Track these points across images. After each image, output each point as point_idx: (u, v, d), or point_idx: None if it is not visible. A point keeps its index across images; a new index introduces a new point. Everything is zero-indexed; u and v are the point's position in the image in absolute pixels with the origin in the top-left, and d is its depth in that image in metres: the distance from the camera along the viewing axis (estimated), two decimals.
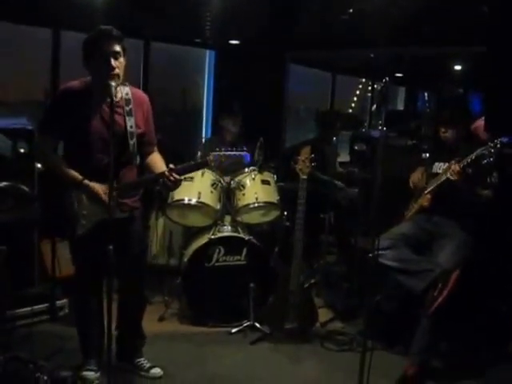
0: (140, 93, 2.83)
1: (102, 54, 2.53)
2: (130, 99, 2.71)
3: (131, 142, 2.69)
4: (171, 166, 2.65)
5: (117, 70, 2.55)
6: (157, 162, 2.86)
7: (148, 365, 3.07)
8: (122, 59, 2.59)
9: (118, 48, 2.56)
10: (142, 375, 3.04)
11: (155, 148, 2.94)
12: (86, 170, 2.64)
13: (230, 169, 3.85)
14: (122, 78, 2.62)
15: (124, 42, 2.62)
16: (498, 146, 2.91)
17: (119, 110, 2.65)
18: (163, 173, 2.66)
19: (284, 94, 6.27)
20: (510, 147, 3.34)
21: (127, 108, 2.69)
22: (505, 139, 2.94)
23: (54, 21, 4.60)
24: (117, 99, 2.62)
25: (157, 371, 3.06)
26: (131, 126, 2.69)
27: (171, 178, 2.62)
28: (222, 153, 2.62)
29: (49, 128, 2.69)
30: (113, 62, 2.53)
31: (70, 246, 2.85)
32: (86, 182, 2.63)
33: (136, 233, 2.88)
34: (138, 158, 2.91)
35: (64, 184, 2.67)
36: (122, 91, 2.69)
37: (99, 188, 2.63)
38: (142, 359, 3.09)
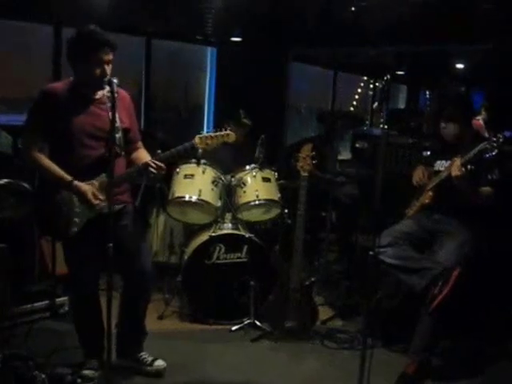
0: (122, 91, 2.88)
1: (98, 61, 2.61)
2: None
3: (117, 136, 2.73)
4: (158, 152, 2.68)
5: (108, 77, 2.63)
6: (141, 157, 2.90)
7: (151, 358, 3.06)
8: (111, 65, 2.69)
9: (111, 56, 2.66)
10: (146, 370, 3.03)
11: (140, 144, 3.00)
12: (74, 166, 2.66)
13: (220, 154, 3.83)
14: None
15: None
16: (501, 140, 2.90)
17: (103, 106, 2.71)
18: (146, 162, 2.70)
19: (286, 92, 6.25)
20: (510, 143, 3.33)
21: (110, 104, 2.73)
22: (507, 133, 2.93)
23: (55, 18, 4.61)
24: (99, 96, 2.73)
25: (160, 363, 3.05)
26: (115, 121, 2.72)
27: (153, 164, 2.66)
28: (207, 134, 2.64)
29: (34, 129, 2.71)
30: (107, 69, 2.64)
31: (62, 246, 2.86)
32: (75, 183, 2.64)
33: (127, 227, 2.86)
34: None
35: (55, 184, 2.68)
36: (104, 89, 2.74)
37: (87, 189, 2.64)
38: (144, 353, 3.08)
